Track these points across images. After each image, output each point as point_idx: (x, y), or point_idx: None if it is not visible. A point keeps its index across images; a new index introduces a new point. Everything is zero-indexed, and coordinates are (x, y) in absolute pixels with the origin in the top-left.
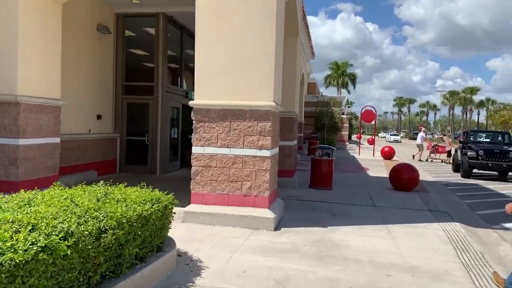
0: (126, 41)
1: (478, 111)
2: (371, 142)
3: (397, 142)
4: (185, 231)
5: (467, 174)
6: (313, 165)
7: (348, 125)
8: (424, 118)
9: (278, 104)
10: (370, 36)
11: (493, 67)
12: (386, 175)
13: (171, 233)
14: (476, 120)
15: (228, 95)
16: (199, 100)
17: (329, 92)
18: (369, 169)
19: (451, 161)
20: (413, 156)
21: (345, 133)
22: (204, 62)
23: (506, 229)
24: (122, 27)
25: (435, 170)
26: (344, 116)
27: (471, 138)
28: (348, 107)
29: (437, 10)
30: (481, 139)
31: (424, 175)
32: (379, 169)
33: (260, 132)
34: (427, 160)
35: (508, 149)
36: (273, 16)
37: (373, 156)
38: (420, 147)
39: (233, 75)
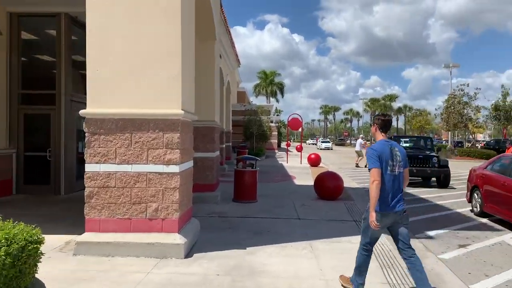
0: (23, 44)
1: (397, 117)
2: (299, 149)
3: (328, 149)
4: (74, 268)
5: None
6: (236, 177)
7: (277, 133)
8: (349, 125)
9: (190, 112)
10: (297, 47)
11: (408, 76)
12: (312, 183)
13: (51, 274)
14: (396, 125)
15: (128, 103)
16: (92, 108)
17: (259, 101)
18: (296, 178)
19: None
20: (356, 165)
21: (274, 141)
22: (97, 63)
23: (430, 237)
24: (17, 28)
25: (360, 176)
26: (273, 124)
27: None
28: (277, 115)
29: (357, 22)
30: (405, 145)
31: (349, 182)
32: (305, 177)
33: (167, 144)
34: (365, 166)
35: (431, 154)
36: (177, 14)
37: (301, 163)
38: (359, 153)
39: (133, 79)
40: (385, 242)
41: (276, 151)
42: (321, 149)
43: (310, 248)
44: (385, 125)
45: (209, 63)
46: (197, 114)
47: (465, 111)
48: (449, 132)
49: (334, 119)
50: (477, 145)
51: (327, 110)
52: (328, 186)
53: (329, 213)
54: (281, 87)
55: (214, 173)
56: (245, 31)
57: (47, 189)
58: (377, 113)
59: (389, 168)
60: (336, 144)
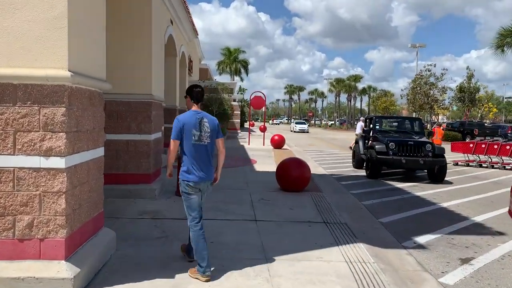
0: None
1: (361, 97)
2: (263, 129)
3: (304, 132)
4: None
5: (375, 174)
6: (179, 167)
7: (239, 112)
8: (313, 105)
9: (92, 77)
10: (263, 26)
11: (371, 58)
12: (274, 168)
13: None
14: (360, 106)
15: None
16: None
17: (223, 79)
18: (256, 162)
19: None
20: (350, 147)
21: (237, 121)
22: None
23: (421, 246)
24: None
25: (327, 160)
26: (236, 103)
27: (377, 126)
28: (241, 93)
29: (323, 4)
30: (388, 127)
31: (315, 167)
32: (267, 161)
33: (45, 125)
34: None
35: (424, 140)
36: None
37: (263, 145)
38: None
39: None
40: (365, 255)
41: (239, 131)
42: (295, 131)
43: (267, 272)
44: (197, 96)
45: (143, 18)
46: (125, 85)
47: (431, 92)
48: (414, 114)
49: (299, 99)
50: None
51: (292, 90)
52: (292, 176)
53: (293, 211)
54: (245, 65)
55: (151, 160)
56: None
57: None
58: (341, 93)
59: (193, 137)
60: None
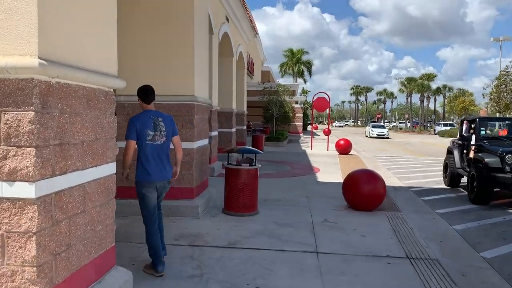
0: None
1: (435, 97)
2: (327, 133)
3: (383, 137)
4: None
5: (484, 198)
6: (228, 178)
7: (302, 115)
8: (382, 106)
9: (96, 72)
10: (327, 27)
11: (443, 56)
12: (341, 179)
13: None
14: (433, 107)
15: None
16: None
17: (285, 81)
18: (319, 170)
19: None
20: None
21: (299, 124)
22: None
23: None
24: None
25: (402, 167)
26: (298, 105)
27: (482, 132)
28: (303, 95)
29: (390, 2)
30: (494, 133)
31: (389, 178)
32: (332, 170)
33: (7, 136)
34: None
35: None
36: None
37: (327, 150)
38: None
39: None
40: None
41: (301, 135)
42: (371, 137)
43: None
44: (145, 96)
45: (186, 10)
46: (163, 86)
47: None
48: (497, 114)
49: (366, 100)
50: None
51: (358, 91)
52: (362, 192)
53: (365, 239)
54: (309, 66)
55: (194, 172)
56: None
57: None
58: (413, 93)
59: (148, 137)
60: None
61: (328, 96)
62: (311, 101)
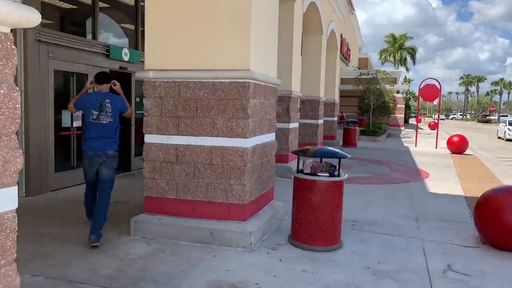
0: None
1: None
2: (433, 127)
3: None
4: None
5: None
6: (297, 193)
7: (403, 106)
8: (496, 97)
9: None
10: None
11: None
12: (461, 190)
13: None
14: None
15: None
16: None
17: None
18: (429, 176)
19: None
20: None
21: (400, 115)
22: None
23: None
24: None
25: None
26: (399, 95)
27: None
28: (406, 84)
29: None
30: None
31: None
32: (445, 175)
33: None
34: None
35: None
36: None
37: (436, 148)
38: None
39: None
40: None
41: (403, 128)
42: (507, 139)
43: None
44: (99, 79)
45: None
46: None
47: None
48: None
49: (478, 91)
50: None
51: (469, 81)
52: (508, 224)
53: None
54: (412, 53)
55: (247, 182)
56: None
57: None
58: None
59: (91, 116)
60: (479, 121)
61: (439, 83)
62: (416, 91)
